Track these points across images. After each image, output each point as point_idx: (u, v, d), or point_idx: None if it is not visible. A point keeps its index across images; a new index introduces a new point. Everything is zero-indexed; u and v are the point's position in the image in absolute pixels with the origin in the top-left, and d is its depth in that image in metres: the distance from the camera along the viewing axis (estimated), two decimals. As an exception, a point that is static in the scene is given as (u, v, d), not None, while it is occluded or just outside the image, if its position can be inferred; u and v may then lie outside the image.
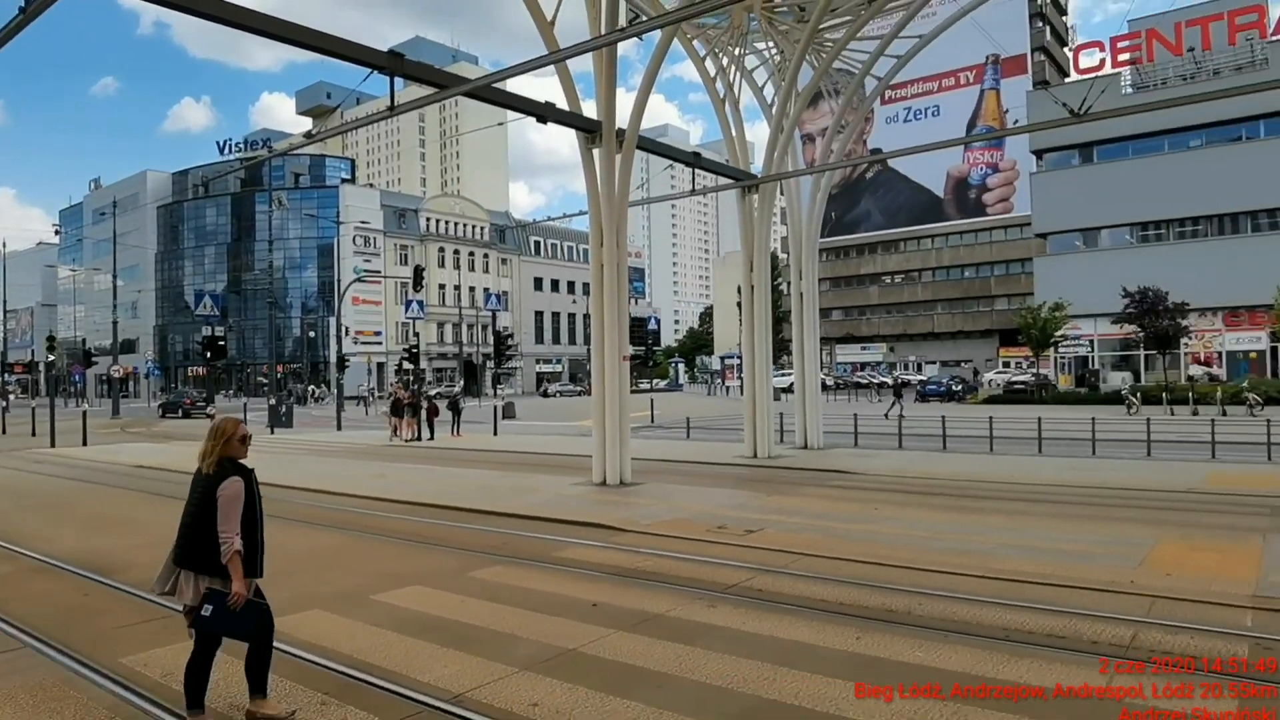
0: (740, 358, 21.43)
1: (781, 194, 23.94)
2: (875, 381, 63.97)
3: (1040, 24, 73.94)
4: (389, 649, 6.25)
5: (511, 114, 15.31)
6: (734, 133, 20.97)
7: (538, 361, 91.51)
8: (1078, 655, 5.82)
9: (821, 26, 20.12)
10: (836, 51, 20.45)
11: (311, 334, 79.79)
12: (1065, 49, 72.55)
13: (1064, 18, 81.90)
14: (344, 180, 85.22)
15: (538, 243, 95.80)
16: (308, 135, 20.27)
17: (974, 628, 6.53)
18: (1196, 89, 45.69)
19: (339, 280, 62.40)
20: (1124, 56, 52.58)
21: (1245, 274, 42.20)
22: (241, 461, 4.70)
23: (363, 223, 71.40)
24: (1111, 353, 50.80)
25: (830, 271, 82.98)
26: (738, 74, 21.40)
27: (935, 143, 28.58)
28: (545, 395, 74.22)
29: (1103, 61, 53.06)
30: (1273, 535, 9.81)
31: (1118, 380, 46.19)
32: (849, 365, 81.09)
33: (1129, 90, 49.61)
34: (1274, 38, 47.94)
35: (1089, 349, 51.16)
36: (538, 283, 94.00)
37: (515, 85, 16.22)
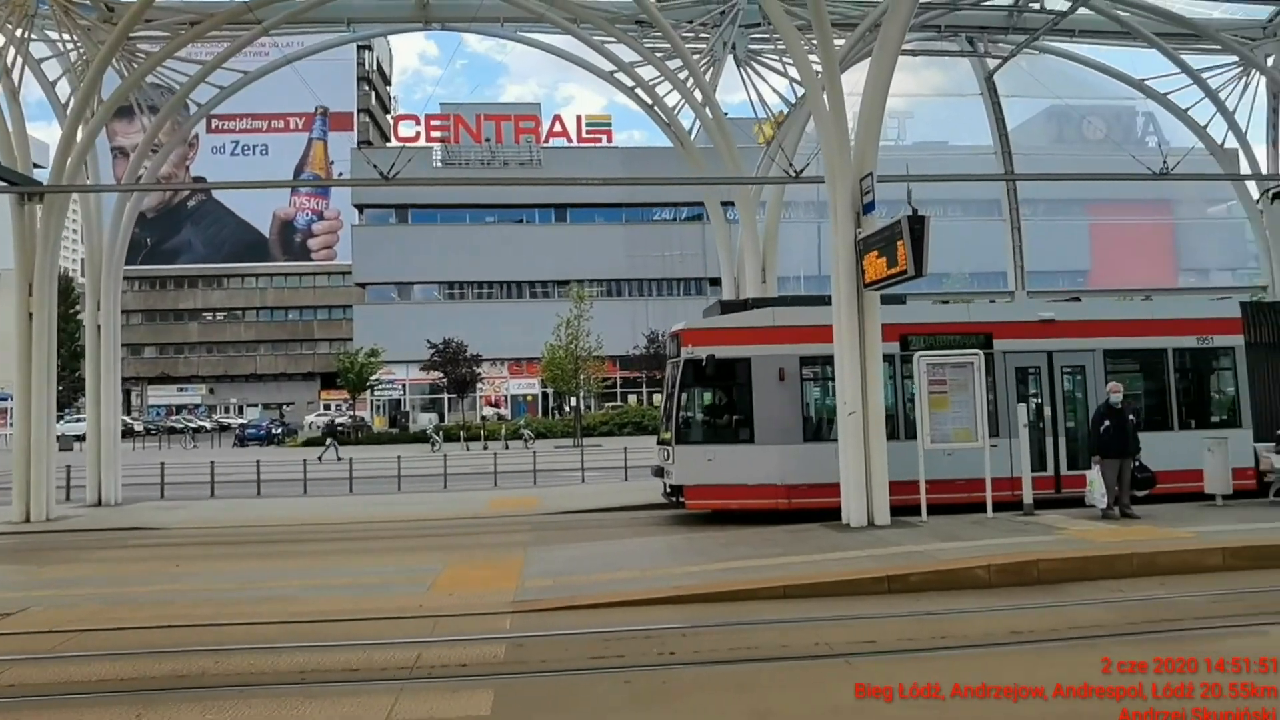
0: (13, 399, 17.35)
1: (76, 209, 20.75)
2: (192, 426, 59.12)
3: (367, 87, 78.94)
4: None
5: None
6: (10, 127, 17.46)
7: None
8: (369, 684, 6.26)
9: (134, 35, 18.23)
10: (149, 67, 18.71)
11: None
12: (389, 115, 78.94)
13: (388, 87, 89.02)
14: None
15: None
16: None
17: (271, 677, 6.53)
18: (491, 174, 54.44)
19: None
20: (436, 134, 59.65)
21: (525, 332, 50.86)
22: None
23: None
24: (421, 396, 56.56)
25: (143, 303, 74.62)
26: (19, 60, 17.92)
27: (262, 181, 28.27)
28: None
29: (419, 134, 59.31)
30: (532, 547, 11.99)
31: (425, 420, 51.45)
32: (164, 408, 73.49)
33: (439, 164, 56.29)
34: (545, 144, 59.84)
35: (402, 392, 56.06)
36: None
37: None
